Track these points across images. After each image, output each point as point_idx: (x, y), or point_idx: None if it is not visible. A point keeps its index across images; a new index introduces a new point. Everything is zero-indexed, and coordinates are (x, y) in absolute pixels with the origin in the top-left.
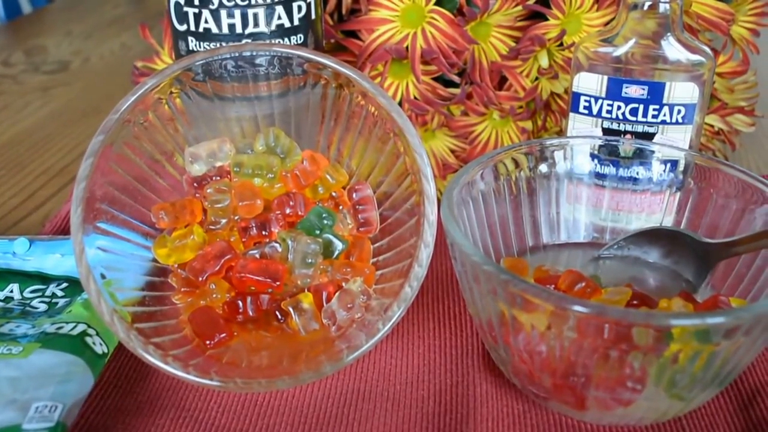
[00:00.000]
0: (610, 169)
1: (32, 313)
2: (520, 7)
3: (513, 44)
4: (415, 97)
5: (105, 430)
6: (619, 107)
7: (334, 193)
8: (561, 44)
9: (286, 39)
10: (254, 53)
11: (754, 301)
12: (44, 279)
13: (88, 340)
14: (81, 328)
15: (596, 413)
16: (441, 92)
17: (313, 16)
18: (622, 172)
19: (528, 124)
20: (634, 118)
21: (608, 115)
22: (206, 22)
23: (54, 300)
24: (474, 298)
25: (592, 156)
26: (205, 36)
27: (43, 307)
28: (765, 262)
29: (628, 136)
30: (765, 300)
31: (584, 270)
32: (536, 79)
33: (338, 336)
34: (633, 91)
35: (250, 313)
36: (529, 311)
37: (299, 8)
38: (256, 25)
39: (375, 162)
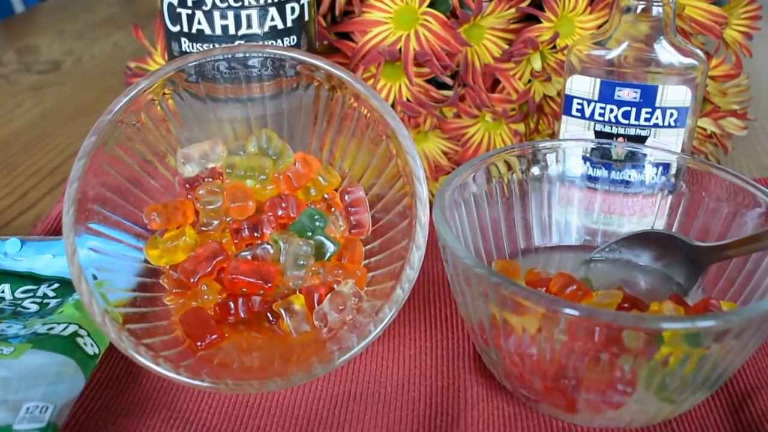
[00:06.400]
0: (602, 172)
1: (23, 314)
2: (513, 10)
3: (506, 47)
4: (407, 99)
5: (96, 431)
6: (611, 110)
7: (326, 195)
8: (554, 47)
9: (279, 40)
10: (247, 55)
11: (745, 305)
12: (36, 279)
13: (80, 340)
14: (72, 328)
15: (587, 416)
16: (434, 94)
17: (306, 18)
18: (614, 175)
19: (520, 127)
20: (626, 121)
21: (601, 118)
22: (199, 23)
23: (45, 300)
24: (465, 301)
25: (585, 159)
26: (198, 37)
27: (34, 307)
28: (756, 266)
29: (621, 139)
30: (755, 304)
31: (576, 273)
32: (529, 81)
33: (329, 338)
34: (625, 94)
35: (242, 315)
36: (520, 314)
37: (292, 10)
38: (249, 26)
39: (367, 164)
